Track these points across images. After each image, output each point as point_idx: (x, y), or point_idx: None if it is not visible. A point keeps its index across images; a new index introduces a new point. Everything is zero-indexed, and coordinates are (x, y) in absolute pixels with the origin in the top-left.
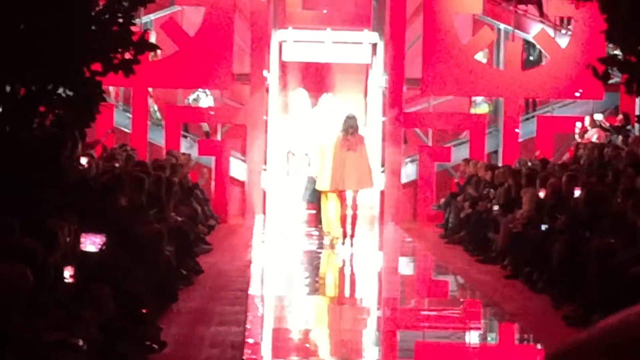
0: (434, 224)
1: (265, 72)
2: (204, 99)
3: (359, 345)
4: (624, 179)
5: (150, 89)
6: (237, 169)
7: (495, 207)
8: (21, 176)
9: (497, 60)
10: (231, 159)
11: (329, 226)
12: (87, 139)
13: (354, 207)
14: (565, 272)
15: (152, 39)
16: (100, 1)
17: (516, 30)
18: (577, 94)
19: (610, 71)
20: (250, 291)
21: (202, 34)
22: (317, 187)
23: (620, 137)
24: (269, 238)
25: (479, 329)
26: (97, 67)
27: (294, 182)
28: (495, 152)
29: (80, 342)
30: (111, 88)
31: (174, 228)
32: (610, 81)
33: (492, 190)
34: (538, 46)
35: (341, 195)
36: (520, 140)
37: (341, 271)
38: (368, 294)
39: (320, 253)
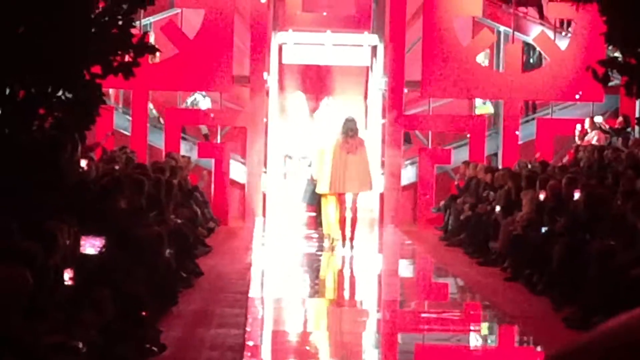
0: (434, 226)
1: (265, 75)
2: (202, 101)
3: (359, 348)
4: (624, 181)
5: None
6: (237, 171)
7: (497, 208)
8: (21, 178)
9: (497, 63)
10: (231, 161)
11: (329, 229)
12: (86, 142)
13: (354, 210)
14: (565, 274)
15: (152, 41)
16: (100, 3)
17: (516, 33)
18: (577, 96)
19: (610, 73)
20: (250, 294)
21: (202, 36)
22: (317, 190)
23: (620, 140)
24: (268, 240)
25: (478, 331)
26: (96, 69)
27: (293, 185)
28: (495, 154)
29: (80, 345)
30: (111, 90)
31: (173, 230)
32: (610, 83)
33: (492, 192)
34: (538, 48)
35: (341, 198)
36: (520, 142)
37: (341, 274)
38: (368, 297)
39: (320, 255)
